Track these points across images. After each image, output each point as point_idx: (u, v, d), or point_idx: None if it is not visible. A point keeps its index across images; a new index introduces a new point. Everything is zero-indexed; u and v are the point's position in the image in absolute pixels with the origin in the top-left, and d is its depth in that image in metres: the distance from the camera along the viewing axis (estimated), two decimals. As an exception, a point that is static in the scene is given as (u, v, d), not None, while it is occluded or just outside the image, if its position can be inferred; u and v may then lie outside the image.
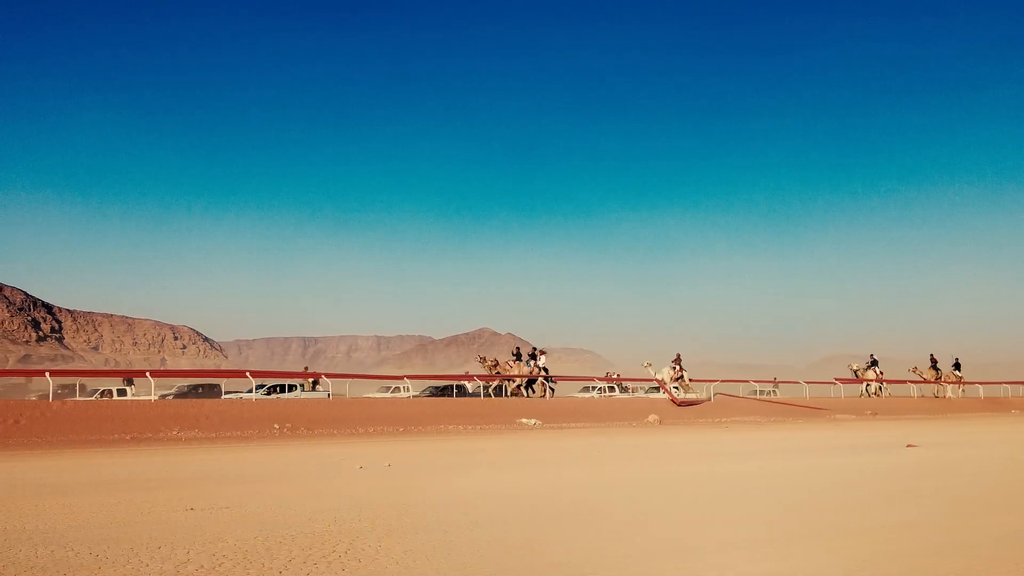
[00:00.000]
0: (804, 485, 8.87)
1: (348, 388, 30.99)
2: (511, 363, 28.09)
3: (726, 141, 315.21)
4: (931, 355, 40.24)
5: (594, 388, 36.38)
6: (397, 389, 31.06)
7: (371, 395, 30.72)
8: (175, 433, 17.73)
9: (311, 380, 31.65)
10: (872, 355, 39.51)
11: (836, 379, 39.19)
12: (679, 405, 28.87)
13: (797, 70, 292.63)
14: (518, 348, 29.08)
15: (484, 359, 28.42)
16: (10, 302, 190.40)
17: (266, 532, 5.69)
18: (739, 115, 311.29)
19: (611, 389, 36.82)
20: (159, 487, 8.49)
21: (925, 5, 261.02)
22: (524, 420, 22.60)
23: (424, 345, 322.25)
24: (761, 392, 41.60)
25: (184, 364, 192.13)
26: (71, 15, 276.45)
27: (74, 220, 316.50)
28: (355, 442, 16.11)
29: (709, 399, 32.25)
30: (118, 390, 32.08)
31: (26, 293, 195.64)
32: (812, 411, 30.40)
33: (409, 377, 30.24)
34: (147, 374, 24.66)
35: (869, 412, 31.04)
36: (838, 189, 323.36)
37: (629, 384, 38.29)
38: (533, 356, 28.47)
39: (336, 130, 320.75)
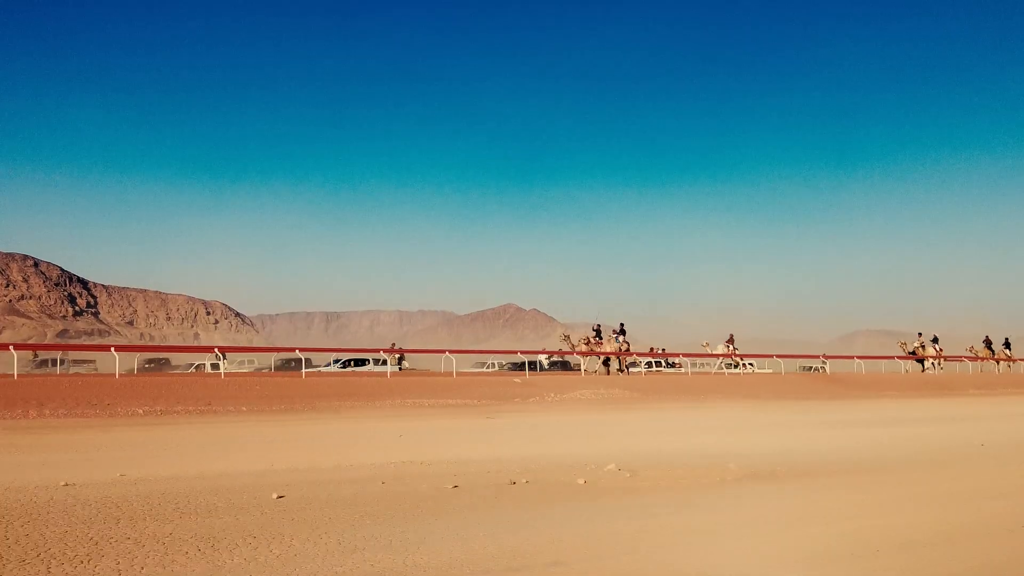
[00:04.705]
0: None
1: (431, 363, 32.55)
2: (594, 339, 29.12)
3: (741, 119, 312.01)
4: (986, 336, 41.70)
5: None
6: (492, 364, 32.48)
7: (468, 370, 32.16)
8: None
9: (397, 356, 33.29)
10: (920, 334, 41.13)
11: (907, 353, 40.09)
12: None
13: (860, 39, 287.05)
14: (598, 325, 30.08)
15: (567, 337, 29.33)
16: (47, 277, 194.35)
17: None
18: (748, 89, 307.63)
19: (657, 364, 37.50)
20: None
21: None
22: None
23: (449, 320, 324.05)
24: (811, 368, 42.67)
25: (217, 339, 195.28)
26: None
27: (106, 196, 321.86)
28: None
29: None
30: (211, 364, 33.95)
31: (62, 268, 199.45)
32: None
33: (488, 352, 31.70)
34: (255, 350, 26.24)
35: None
36: (863, 160, 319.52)
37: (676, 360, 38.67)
38: (622, 332, 29.49)
39: (358, 105, 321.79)
